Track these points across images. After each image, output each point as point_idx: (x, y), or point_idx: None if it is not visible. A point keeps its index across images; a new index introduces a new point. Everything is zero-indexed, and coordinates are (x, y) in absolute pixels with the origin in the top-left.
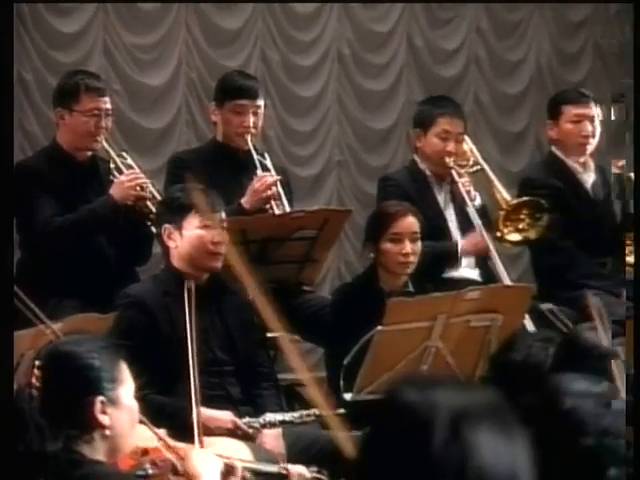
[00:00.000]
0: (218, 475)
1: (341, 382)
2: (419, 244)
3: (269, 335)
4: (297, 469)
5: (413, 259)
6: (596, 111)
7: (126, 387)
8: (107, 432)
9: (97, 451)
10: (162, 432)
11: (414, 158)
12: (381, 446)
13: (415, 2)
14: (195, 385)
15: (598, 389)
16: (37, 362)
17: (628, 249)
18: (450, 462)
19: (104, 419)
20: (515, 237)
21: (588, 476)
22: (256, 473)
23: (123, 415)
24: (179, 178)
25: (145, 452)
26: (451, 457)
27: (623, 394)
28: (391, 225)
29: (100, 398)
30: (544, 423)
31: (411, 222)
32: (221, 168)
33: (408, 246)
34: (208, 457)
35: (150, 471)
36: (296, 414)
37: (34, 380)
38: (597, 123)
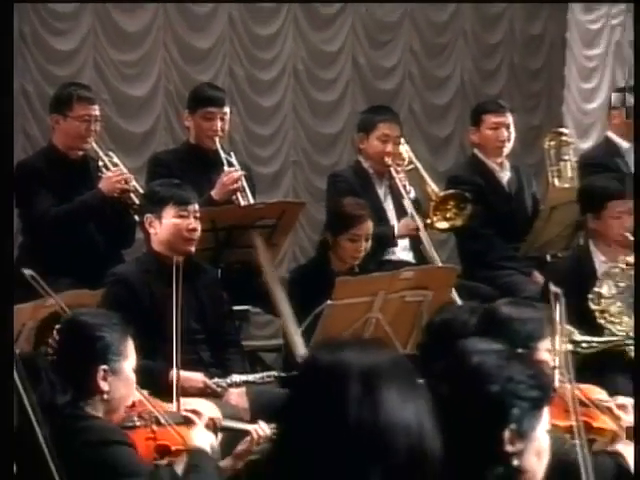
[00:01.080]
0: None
1: None
2: (370, 242)
3: (235, 308)
4: (258, 424)
5: (364, 254)
6: (511, 119)
7: (129, 361)
8: (105, 397)
9: (96, 410)
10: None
11: (358, 158)
12: (301, 407)
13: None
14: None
15: (497, 347)
16: (57, 326)
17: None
18: (363, 416)
19: (104, 386)
20: (443, 225)
21: (496, 418)
22: (226, 429)
23: (122, 384)
24: (158, 175)
25: (132, 405)
26: (364, 411)
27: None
28: (353, 227)
29: (103, 367)
30: (456, 380)
31: (369, 225)
32: (194, 166)
33: (363, 245)
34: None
35: (137, 423)
36: (258, 375)
37: (51, 341)
38: (512, 129)
